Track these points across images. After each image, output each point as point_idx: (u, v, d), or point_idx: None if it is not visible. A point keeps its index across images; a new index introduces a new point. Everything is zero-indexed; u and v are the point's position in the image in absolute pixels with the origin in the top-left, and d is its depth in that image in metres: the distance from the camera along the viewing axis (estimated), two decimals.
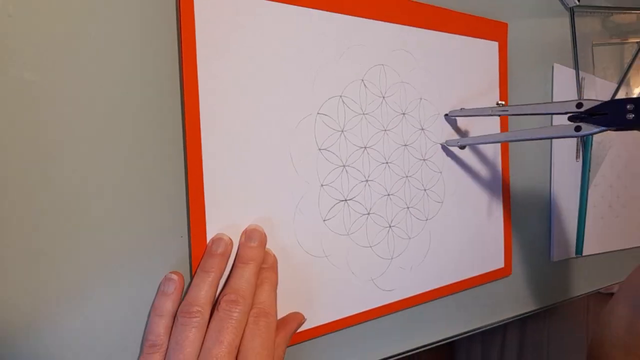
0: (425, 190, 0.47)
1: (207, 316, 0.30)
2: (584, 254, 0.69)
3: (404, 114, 0.45)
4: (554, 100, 0.62)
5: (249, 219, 0.35)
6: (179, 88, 0.32)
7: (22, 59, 0.27)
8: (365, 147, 0.42)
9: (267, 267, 0.34)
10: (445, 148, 0.49)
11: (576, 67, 0.67)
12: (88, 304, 0.30)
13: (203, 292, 0.30)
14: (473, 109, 0.48)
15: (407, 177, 0.46)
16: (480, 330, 0.55)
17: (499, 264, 0.55)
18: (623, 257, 0.79)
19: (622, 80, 0.75)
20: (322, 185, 0.40)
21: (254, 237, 0.34)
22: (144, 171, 0.31)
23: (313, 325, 0.40)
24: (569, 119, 0.41)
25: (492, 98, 0.53)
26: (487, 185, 0.53)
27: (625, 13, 0.75)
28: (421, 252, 0.47)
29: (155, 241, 0.32)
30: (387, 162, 0.44)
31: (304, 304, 0.39)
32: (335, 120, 0.40)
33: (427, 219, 0.48)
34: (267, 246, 0.36)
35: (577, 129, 0.40)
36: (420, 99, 0.47)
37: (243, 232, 0.34)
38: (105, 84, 0.30)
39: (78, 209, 0.29)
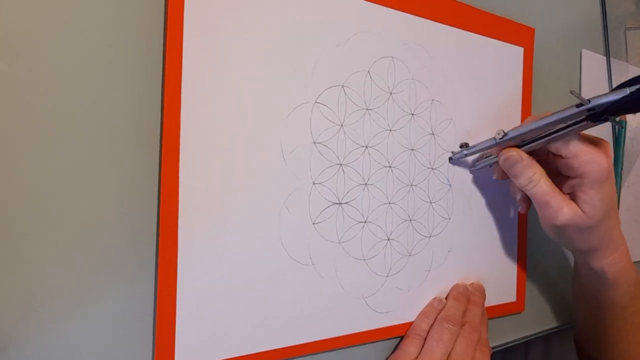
0: (431, 202, 0.42)
1: (458, 329, 0.41)
2: None
3: (412, 114, 0.41)
4: (582, 91, 0.56)
5: (228, 208, 0.32)
6: (160, 65, 0.30)
7: None
8: (366, 147, 0.38)
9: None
10: (454, 159, 0.44)
11: (607, 54, 0.60)
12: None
13: (459, 312, 0.42)
14: (477, 144, 0.42)
15: (411, 185, 0.41)
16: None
17: (511, 297, 0.49)
18: None
19: None
20: (314, 184, 0.36)
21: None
22: (118, 157, 0.29)
23: (292, 344, 0.35)
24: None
25: (513, 105, 0.49)
26: (500, 199, 0.48)
27: None
28: (421, 273, 0.42)
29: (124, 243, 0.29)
30: (390, 166, 0.40)
31: (282, 314, 0.34)
32: (335, 112, 0.37)
33: (430, 236, 0.43)
34: (245, 241, 0.32)
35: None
36: (432, 100, 0.42)
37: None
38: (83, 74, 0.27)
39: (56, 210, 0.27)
